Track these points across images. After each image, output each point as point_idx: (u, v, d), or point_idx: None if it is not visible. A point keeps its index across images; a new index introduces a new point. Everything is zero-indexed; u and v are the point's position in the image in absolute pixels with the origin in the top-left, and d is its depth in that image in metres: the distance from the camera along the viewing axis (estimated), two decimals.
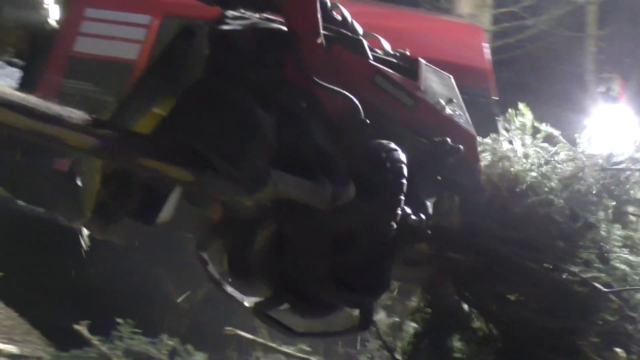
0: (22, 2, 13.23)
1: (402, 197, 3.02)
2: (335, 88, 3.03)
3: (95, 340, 5.26)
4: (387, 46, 3.50)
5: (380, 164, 3.05)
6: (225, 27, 3.04)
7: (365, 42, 3.24)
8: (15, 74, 12.34)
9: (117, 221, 3.10)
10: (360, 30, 3.27)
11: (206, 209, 3.26)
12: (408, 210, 3.13)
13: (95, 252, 6.82)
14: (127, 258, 6.78)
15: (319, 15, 3.06)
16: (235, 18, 3.12)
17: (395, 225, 3.02)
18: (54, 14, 6.59)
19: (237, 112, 2.93)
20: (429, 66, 3.46)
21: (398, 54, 3.49)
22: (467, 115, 3.48)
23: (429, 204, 3.29)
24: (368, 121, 3.05)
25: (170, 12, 6.36)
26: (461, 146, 3.31)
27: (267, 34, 3.05)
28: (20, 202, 7.43)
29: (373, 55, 3.29)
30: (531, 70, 14.68)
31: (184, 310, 5.84)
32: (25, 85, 6.87)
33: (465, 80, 6.39)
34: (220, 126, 2.91)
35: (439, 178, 3.34)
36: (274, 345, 5.04)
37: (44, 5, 6.87)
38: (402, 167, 3.05)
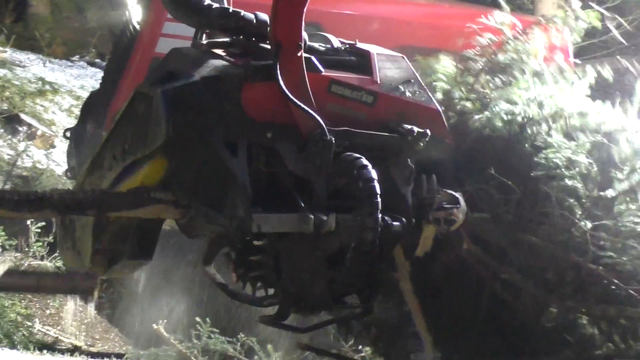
0: (104, 3, 13.49)
1: (379, 215, 3.08)
2: (305, 107, 3.09)
3: (173, 339, 5.32)
4: (336, 42, 3.48)
5: (353, 182, 3.11)
6: (176, 85, 3.12)
7: (315, 57, 3.25)
8: (98, 74, 12.59)
9: (118, 262, 3.35)
10: (305, 38, 3.27)
11: (200, 239, 3.44)
12: (388, 219, 3.18)
13: (176, 252, 6.92)
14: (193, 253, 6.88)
15: (302, 29, 3.13)
16: (188, 63, 3.20)
17: (376, 241, 3.09)
18: (136, 15, 6.67)
19: (209, 163, 3.08)
20: (381, 54, 3.43)
21: (348, 47, 3.46)
22: (428, 91, 3.47)
23: (408, 195, 3.32)
24: (333, 138, 3.10)
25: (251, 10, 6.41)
26: (427, 129, 3.30)
27: (219, 79, 3.12)
28: None
29: (325, 58, 3.31)
30: (615, 72, 14.42)
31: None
32: (107, 85, 6.98)
33: None
34: (196, 177, 3.12)
35: (412, 165, 3.35)
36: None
37: (127, 7, 6.97)
38: (374, 186, 3.09)
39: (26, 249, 5.75)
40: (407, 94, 3.41)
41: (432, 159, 3.42)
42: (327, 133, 3.10)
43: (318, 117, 3.10)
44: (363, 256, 3.14)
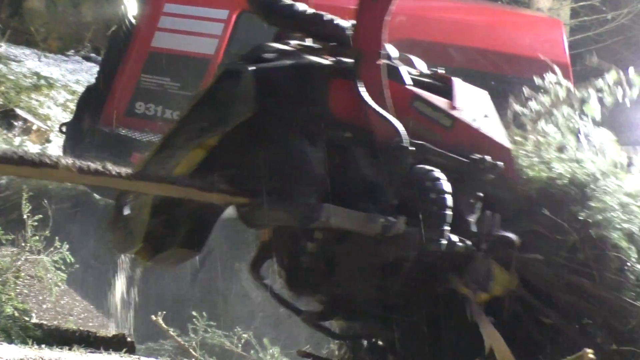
0: None
1: (447, 228, 3.10)
2: (385, 114, 3.13)
3: (172, 331, 5.33)
4: (422, 66, 3.56)
5: (424, 193, 3.13)
6: (268, 66, 3.14)
7: (401, 68, 3.30)
8: (93, 69, 12.58)
9: (166, 250, 3.24)
10: (395, 53, 3.33)
11: (260, 230, 3.45)
12: (454, 238, 3.20)
13: None
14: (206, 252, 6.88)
15: (384, 37, 3.18)
16: (278, 53, 3.23)
17: (438, 256, 3.12)
18: (132, 9, 6.68)
19: (286, 150, 3.11)
20: (463, 83, 3.50)
21: (432, 73, 3.55)
22: (503, 128, 3.54)
23: (471, 222, 3.34)
24: (411, 148, 3.14)
25: (247, 7, 6.41)
26: (499, 162, 3.36)
27: (309, 70, 3.15)
28: (102, 208, 7.56)
29: (411, 75, 3.36)
30: (611, 64, 14.43)
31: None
32: (102, 80, 6.99)
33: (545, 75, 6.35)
34: (270, 163, 3.10)
35: (480, 195, 3.37)
36: None
37: (122, 1, 6.98)
38: (445, 199, 3.13)
39: (22, 244, 5.74)
40: (483, 126, 3.45)
41: (495, 196, 3.45)
42: (405, 142, 3.14)
43: (397, 125, 3.14)
44: (421, 269, 3.15)
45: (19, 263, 5.67)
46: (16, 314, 5.16)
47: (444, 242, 3.12)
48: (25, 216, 5.67)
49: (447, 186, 3.15)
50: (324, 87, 3.17)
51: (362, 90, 3.15)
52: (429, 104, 3.32)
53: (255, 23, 6.44)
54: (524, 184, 3.60)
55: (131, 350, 5.39)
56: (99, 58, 12.53)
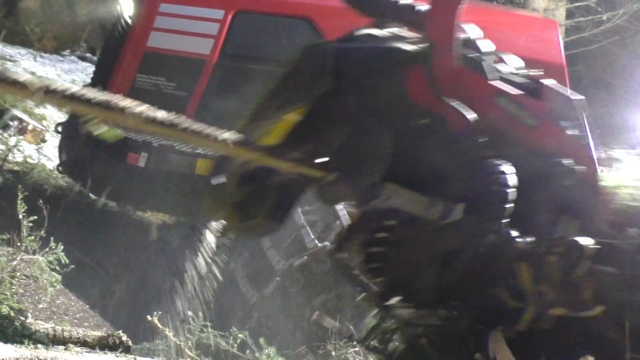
0: None
1: (503, 221, 3.09)
2: (458, 106, 3.14)
3: (167, 332, 5.33)
4: (517, 63, 3.55)
5: (488, 185, 3.13)
6: (350, 45, 3.21)
7: (486, 62, 3.30)
8: (88, 69, 12.57)
9: (253, 219, 3.41)
10: (488, 47, 3.35)
11: (332, 206, 3.71)
12: (513, 233, 3.18)
13: (167, 246, 6.93)
14: (202, 252, 6.88)
15: (456, 28, 3.20)
16: (362, 37, 3.29)
17: (490, 247, 3.11)
18: (127, 9, 6.68)
19: (357, 129, 3.22)
20: (555, 87, 3.47)
21: (523, 73, 3.55)
22: (590, 139, 3.47)
23: (544, 223, 3.33)
24: (484, 140, 3.15)
25: (242, 7, 6.42)
26: (579, 168, 3.33)
27: (389, 53, 3.19)
28: (93, 196, 7.56)
29: (498, 75, 3.36)
30: (606, 65, 14.47)
31: (254, 304, 5.89)
32: (98, 80, 6.99)
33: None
34: (341, 141, 3.24)
35: (558, 199, 3.34)
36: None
37: (118, 1, 6.97)
38: (508, 193, 3.12)
39: (18, 244, 5.73)
40: (570, 132, 3.41)
41: (576, 202, 3.41)
42: (476, 135, 3.14)
43: (469, 116, 3.13)
44: (476, 260, 3.15)
45: (15, 263, 5.67)
46: (12, 313, 5.16)
47: (501, 234, 3.12)
48: (20, 216, 5.67)
49: (512, 180, 3.14)
50: (403, 71, 3.23)
51: (435, 79, 3.18)
52: (514, 102, 3.31)
53: (251, 23, 6.46)
54: (608, 197, 3.54)
55: (126, 350, 5.40)
56: (95, 58, 12.53)
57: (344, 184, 3.19)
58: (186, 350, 5.31)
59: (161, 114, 3.12)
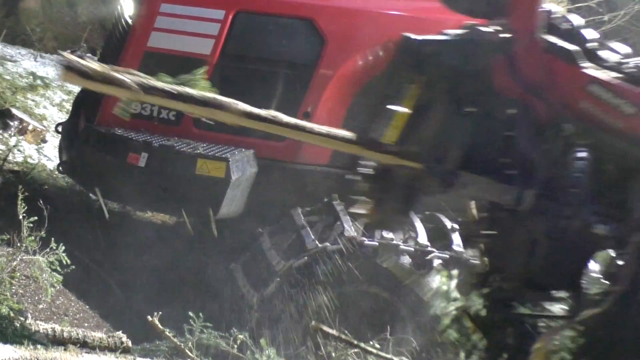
0: None
1: (579, 207, 3.12)
2: (544, 95, 3.17)
3: (167, 332, 5.33)
4: (625, 51, 3.57)
5: (568, 171, 3.16)
6: (434, 39, 3.40)
7: (576, 50, 3.30)
8: None
9: (384, 211, 3.68)
10: (592, 35, 3.36)
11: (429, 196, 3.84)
12: (592, 218, 3.22)
13: (168, 247, 6.93)
14: (202, 252, 6.87)
15: (539, 19, 3.23)
16: (451, 33, 3.49)
17: (569, 232, 3.14)
18: (128, 9, 6.68)
19: (439, 120, 3.38)
20: None
21: (634, 62, 3.53)
22: None
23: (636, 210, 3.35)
24: (569, 127, 3.19)
25: (243, 8, 6.41)
26: None
27: (474, 45, 3.30)
28: (98, 209, 7.56)
29: (603, 64, 3.37)
30: None
31: (254, 304, 5.88)
32: None
33: None
34: (426, 132, 3.41)
35: None
36: (358, 343, 5.07)
37: (118, 1, 6.97)
38: (581, 178, 3.23)
39: (18, 244, 5.74)
40: None
41: None
42: (561, 124, 3.18)
43: (559, 106, 3.19)
44: (554, 245, 3.19)
45: (15, 263, 5.67)
46: (11, 314, 5.16)
47: (574, 218, 3.15)
48: (20, 216, 5.67)
49: (589, 167, 3.21)
50: (488, 62, 3.31)
51: (518, 68, 3.22)
52: (608, 89, 3.31)
53: (251, 23, 6.46)
54: None
55: (126, 350, 5.40)
56: (95, 58, 12.51)
57: (427, 174, 3.38)
58: (186, 350, 5.31)
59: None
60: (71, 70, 3.16)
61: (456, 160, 3.33)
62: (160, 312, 5.37)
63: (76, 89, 11.18)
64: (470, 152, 3.35)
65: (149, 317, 5.32)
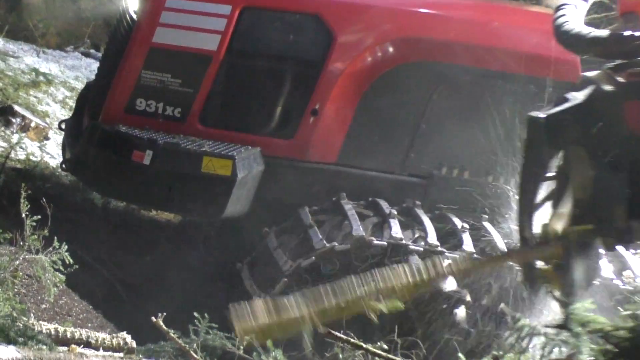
0: None
1: None
2: None
3: (172, 333, 5.32)
4: None
5: None
6: (557, 110, 3.46)
7: None
8: (92, 65, 12.57)
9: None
10: None
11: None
12: None
13: (173, 246, 6.94)
14: (207, 252, 6.88)
15: None
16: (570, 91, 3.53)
17: None
18: (132, 4, 6.68)
19: (590, 181, 3.45)
20: None
21: None
22: None
23: None
24: None
25: (250, 3, 6.41)
26: None
27: (600, 98, 3.38)
28: (98, 195, 7.57)
29: None
30: None
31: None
32: (102, 76, 6.99)
33: (554, 73, 6.34)
34: (582, 196, 3.49)
35: None
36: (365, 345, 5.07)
37: None
38: None
39: (20, 243, 5.74)
40: None
41: None
42: None
43: None
44: None
45: (17, 262, 5.68)
46: (14, 314, 5.17)
47: None
48: (23, 215, 5.68)
49: None
50: (620, 109, 3.36)
51: None
52: None
53: (258, 19, 6.46)
54: None
55: (131, 351, 5.40)
56: (99, 54, 12.53)
57: (598, 235, 3.43)
58: (191, 352, 5.31)
59: None
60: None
61: (623, 215, 3.36)
62: (164, 313, 5.36)
63: (79, 85, 11.24)
64: (633, 201, 3.37)
65: (153, 318, 5.31)
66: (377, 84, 6.37)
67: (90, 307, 6.27)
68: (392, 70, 6.40)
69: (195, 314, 5.53)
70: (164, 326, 5.32)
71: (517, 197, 3.82)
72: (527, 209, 3.65)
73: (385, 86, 6.41)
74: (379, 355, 4.61)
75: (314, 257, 5.75)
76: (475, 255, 5.71)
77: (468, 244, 5.87)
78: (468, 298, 5.82)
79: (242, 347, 5.46)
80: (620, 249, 5.23)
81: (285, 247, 5.98)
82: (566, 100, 3.47)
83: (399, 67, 6.42)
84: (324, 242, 5.78)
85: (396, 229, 5.88)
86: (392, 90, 6.43)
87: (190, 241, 7.44)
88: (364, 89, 6.38)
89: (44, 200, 6.01)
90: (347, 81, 6.36)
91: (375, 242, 5.79)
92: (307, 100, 6.36)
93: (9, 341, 4.82)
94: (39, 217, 5.77)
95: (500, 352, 3.89)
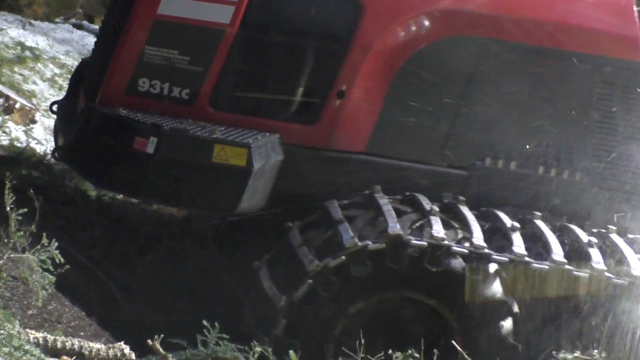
0: None
1: None
2: None
3: (170, 357, 5.34)
4: None
5: None
6: None
7: None
8: (85, 39, 12.62)
9: None
10: None
11: None
12: None
13: (177, 244, 6.95)
14: (217, 250, 6.89)
15: None
16: None
17: None
18: None
19: None
20: None
21: None
22: None
23: None
24: None
25: None
26: None
27: None
28: (91, 186, 7.58)
29: None
30: None
31: (282, 309, 5.88)
32: (100, 52, 7.00)
33: (614, 51, 6.34)
34: None
35: None
36: None
37: None
38: None
39: (5, 240, 5.75)
40: None
41: None
42: None
43: None
44: None
45: (1, 262, 5.69)
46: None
47: None
48: (8, 208, 5.69)
49: None
50: None
51: None
52: None
53: None
54: None
55: None
56: (92, 26, 12.56)
57: None
58: None
59: None
60: None
61: None
62: (162, 335, 5.35)
63: (70, 61, 11.28)
64: None
65: (149, 341, 5.31)
66: (411, 62, 6.35)
67: (83, 313, 6.28)
68: (429, 46, 6.39)
69: (204, 322, 5.54)
70: (161, 349, 5.33)
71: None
72: None
73: (421, 65, 6.39)
74: None
75: (343, 257, 5.74)
76: (527, 259, 5.72)
77: (519, 246, 5.87)
78: (516, 309, 5.82)
79: None
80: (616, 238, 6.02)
81: (310, 244, 5.97)
82: None
83: (437, 43, 6.41)
84: (356, 239, 5.77)
85: (437, 228, 5.86)
86: (429, 69, 6.41)
87: (197, 239, 7.45)
88: (397, 68, 6.37)
89: (31, 191, 6.01)
90: (378, 59, 6.35)
91: (414, 241, 5.77)
92: (333, 81, 6.35)
93: None
94: (26, 210, 5.78)
95: None
